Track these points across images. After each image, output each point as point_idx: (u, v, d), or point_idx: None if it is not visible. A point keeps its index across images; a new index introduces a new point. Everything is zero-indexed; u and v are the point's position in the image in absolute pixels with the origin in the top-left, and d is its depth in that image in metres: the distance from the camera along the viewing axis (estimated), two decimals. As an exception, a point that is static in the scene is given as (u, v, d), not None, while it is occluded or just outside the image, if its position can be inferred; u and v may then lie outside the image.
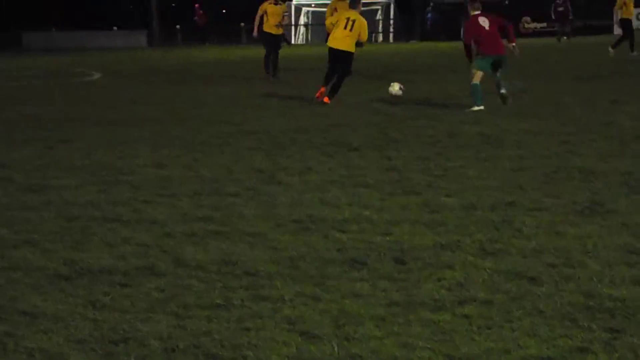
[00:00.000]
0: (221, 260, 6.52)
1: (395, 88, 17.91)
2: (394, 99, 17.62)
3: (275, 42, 24.85)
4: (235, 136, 13.28)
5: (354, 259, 6.48)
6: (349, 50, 18.03)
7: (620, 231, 7.00)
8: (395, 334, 5.02)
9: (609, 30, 50.66)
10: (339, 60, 18.07)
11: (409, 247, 6.75)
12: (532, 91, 18.65)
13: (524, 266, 6.16)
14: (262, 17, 24.93)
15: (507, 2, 56.98)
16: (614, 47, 29.50)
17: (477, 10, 16.32)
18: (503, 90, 15.82)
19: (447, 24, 54.89)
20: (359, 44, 18.45)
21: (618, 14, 31.03)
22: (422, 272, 6.12)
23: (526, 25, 51.22)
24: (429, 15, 59.05)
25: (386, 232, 7.22)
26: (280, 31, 25.24)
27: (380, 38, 63.00)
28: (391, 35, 63.24)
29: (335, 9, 22.23)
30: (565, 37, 42.05)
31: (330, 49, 18.28)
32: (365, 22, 18.71)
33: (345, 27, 18.01)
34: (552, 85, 19.67)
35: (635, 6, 31.09)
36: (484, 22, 16.04)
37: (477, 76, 15.83)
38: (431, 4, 58.80)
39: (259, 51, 29.61)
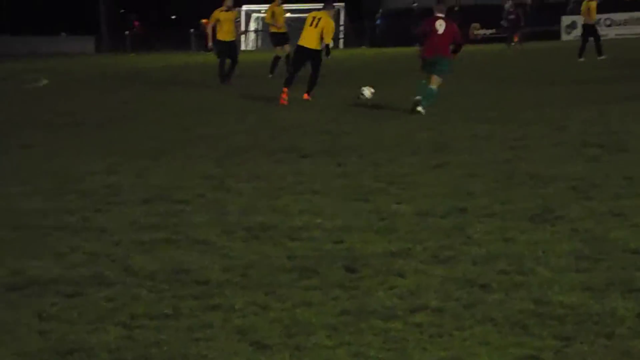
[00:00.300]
0: (171, 269, 6.45)
1: (367, 93, 18.06)
2: (344, 105, 17.62)
3: (229, 48, 24.75)
4: (185, 142, 13.20)
5: (305, 267, 6.44)
6: (315, 48, 18.85)
7: (570, 237, 7.02)
8: (347, 343, 4.99)
9: (557, 36, 51.19)
10: (308, 57, 18.97)
11: (361, 254, 6.72)
12: (483, 97, 18.74)
13: (475, 273, 6.16)
14: (214, 26, 24.86)
15: (457, 9, 57.37)
16: (580, 55, 29.83)
17: (440, 12, 16.82)
18: (418, 98, 16.23)
19: (396, 30, 55.09)
20: (326, 52, 19.33)
21: (584, 19, 31.32)
22: (373, 280, 6.10)
23: (475, 32, 51.54)
24: (379, 21, 59.25)
25: (337, 239, 7.19)
26: (233, 37, 25.11)
27: (331, 44, 63.14)
28: (341, 41, 63.35)
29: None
30: (513, 44, 42.37)
31: (298, 47, 19.09)
32: (331, 22, 19.29)
33: (311, 25, 18.85)
34: (502, 90, 19.77)
35: (599, 12, 31.39)
36: (440, 25, 16.44)
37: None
38: (380, 10, 59.00)
39: (209, 57, 29.51)
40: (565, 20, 52.93)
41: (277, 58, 27.19)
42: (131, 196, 9.21)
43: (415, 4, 53.15)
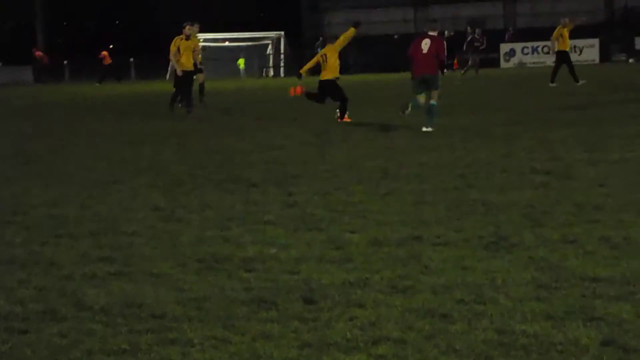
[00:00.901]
0: (125, 302, 6.30)
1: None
2: (289, 133, 17.57)
3: (189, 77, 24.52)
4: (131, 173, 13.03)
5: (262, 298, 6.33)
6: (332, 77, 21.13)
7: (527, 265, 7.00)
8: (311, 377, 4.89)
9: (497, 63, 51.72)
10: (329, 89, 21.08)
11: (318, 285, 6.63)
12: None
13: (435, 303, 6.09)
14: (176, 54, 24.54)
15: (396, 37, 57.76)
16: (552, 80, 30.19)
17: (430, 30, 17.93)
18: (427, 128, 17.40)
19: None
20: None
21: (555, 45, 31.63)
22: (332, 312, 6.00)
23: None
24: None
25: (293, 270, 7.09)
26: (192, 67, 24.83)
27: (272, 72, 63.09)
28: (282, 69, 63.40)
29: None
30: (462, 72, 42.67)
31: (320, 81, 21.37)
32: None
33: (323, 62, 21.26)
34: (450, 118, 19.81)
35: (571, 38, 31.84)
36: (425, 44, 17.49)
37: (421, 98, 17.88)
38: (320, 38, 59.19)
39: (150, 86, 29.30)
40: (504, 47, 53.59)
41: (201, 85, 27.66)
42: (79, 228, 9.03)
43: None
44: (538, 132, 16.36)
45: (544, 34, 48.62)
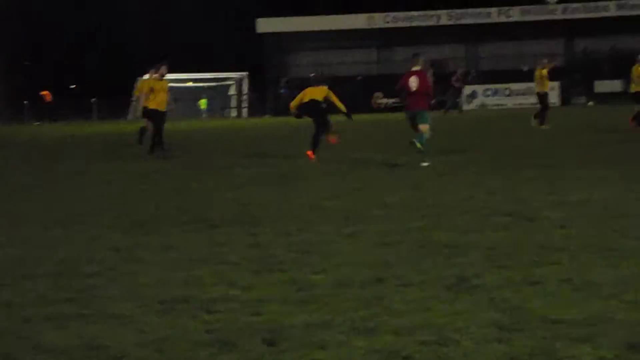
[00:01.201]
0: (85, 344, 6.22)
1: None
2: (249, 174, 17.56)
3: (162, 118, 24.29)
4: (91, 213, 12.94)
5: (224, 340, 6.27)
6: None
7: (488, 307, 6.99)
8: (273, 420, 4.84)
9: (458, 105, 52.03)
10: (317, 111, 21.40)
11: (280, 327, 6.58)
12: (391, 165, 18.88)
13: (398, 345, 6.07)
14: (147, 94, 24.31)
15: (360, 78, 58.06)
16: (541, 122, 30.43)
17: (415, 66, 18.29)
18: (414, 140, 18.64)
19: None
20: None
21: (536, 88, 32.01)
22: (294, 354, 5.96)
23: (378, 101, 52.09)
24: (283, 90, 59.67)
25: (255, 311, 7.04)
26: (165, 108, 24.61)
27: (234, 113, 63.14)
28: (245, 110, 63.50)
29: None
30: (445, 110, 42.95)
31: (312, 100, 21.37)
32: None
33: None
34: (416, 157, 19.88)
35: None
36: (412, 81, 18.00)
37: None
38: (284, 79, 59.45)
39: (112, 126, 29.22)
40: (466, 89, 53.97)
41: (143, 129, 27.62)
42: (38, 269, 8.93)
43: (313, 74, 53.71)
44: (501, 174, 16.45)
45: (506, 76, 49.11)
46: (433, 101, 19.06)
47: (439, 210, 12.17)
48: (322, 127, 20.99)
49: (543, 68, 31.71)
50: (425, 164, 18.45)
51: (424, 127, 18.86)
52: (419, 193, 14.07)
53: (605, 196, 12.91)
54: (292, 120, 40.85)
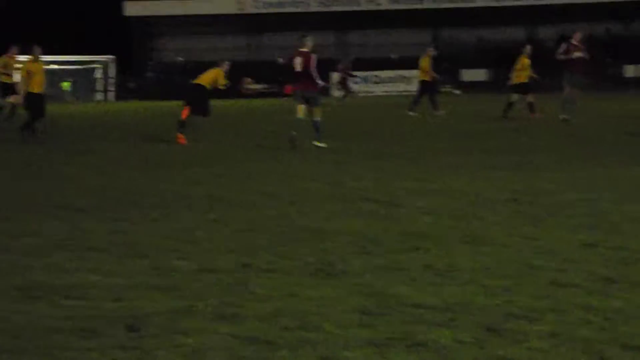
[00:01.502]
0: (-63, 333, 6.01)
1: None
2: (115, 160, 17.31)
3: (42, 102, 23.39)
4: (-50, 197, 12.55)
5: (83, 327, 6.14)
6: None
7: (352, 292, 7.02)
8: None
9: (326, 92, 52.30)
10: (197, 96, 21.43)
11: (142, 313, 6.48)
12: (257, 152, 18.85)
13: (261, 330, 6.04)
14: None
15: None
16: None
17: (302, 47, 18.48)
18: (294, 133, 18.66)
19: (167, 83, 55.10)
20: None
21: (421, 76, 32.00)
22: (156, 340, 5.87)
23: (247, 87, 51.98)
24: (150, 74, 59.04)
25: (117, 297, 6.92)
26: (42, 90, 23.74)
27: (100, 97, 62.16)
28: (111, 93, 62.55)
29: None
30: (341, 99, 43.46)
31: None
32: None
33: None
34: (280, 144, 19.88)
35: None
36: (297, 61, 18.28)
37: (298, 110, 18.98)
38: (150, 63, 58.79)
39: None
40: (335, 77, 54.12)
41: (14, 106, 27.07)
42: None
43: (180, 59, 53.43)
44: (369, 161, 16.59)
45: (374, 64, 49.56)
46: (322, 84, 19.25)
47: (306, 196, 12.19)
48: (198, 111, 20.97)
49: (428, 56, 32.06)
50: (320, 144, 18.88)
51: (317, 111, 19.08)
52: (287, 179, 14.08)
53: (464, 184, 13.11)
54: (160, 104, 40.49)
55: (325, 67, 53.71)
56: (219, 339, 5.87)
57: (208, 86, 21.41)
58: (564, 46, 26.60)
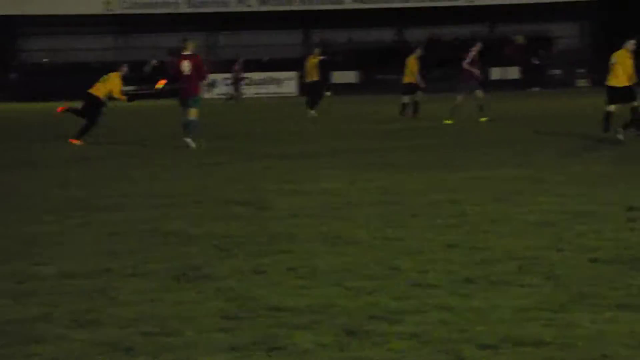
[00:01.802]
0: None
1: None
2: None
3: None
4: None
5: None
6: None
7: (215, 296, 6.97)
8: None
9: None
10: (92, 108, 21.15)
11: (-4, 321, 6.31)
12: (133, 156, 18.62)
13: (120, 336, 5.94)
14: None
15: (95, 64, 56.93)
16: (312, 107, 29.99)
17: (185, 50, 18.43)
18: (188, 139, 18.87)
19: (32, 85, 54.08)
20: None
21: (307, 77, 32.04)
22: (8, 350, 5.70)
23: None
24: (14, 75, 57.82)
25: (-29, 305, 6.72)
26: None
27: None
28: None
29: None
30: (232, 100, 43.21)
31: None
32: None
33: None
34: (150, 149, 19.66)
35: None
36: (185, 65, 18.23)
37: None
38: (14, 63, 57.53)
39: None
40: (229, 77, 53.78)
41: None
42: None
43: (45, 60, 52.47)
44: (239, 163, 16.53)
45: (245, 66, 49.38)
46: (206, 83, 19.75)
47: (173, 199, 12.05)
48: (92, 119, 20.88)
49: (314, 58, 32.17)
50: (193, 145, 18.99)
51: (194, 112, 19.11)
52: (155, 182, 13.92)
53: (334, 186, 13.13)
54: (24, 107, 39.65)
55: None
56: (75, 346, 5.75)
57: (102, 97, 20.87)
58: (471, 56, 27.21)
